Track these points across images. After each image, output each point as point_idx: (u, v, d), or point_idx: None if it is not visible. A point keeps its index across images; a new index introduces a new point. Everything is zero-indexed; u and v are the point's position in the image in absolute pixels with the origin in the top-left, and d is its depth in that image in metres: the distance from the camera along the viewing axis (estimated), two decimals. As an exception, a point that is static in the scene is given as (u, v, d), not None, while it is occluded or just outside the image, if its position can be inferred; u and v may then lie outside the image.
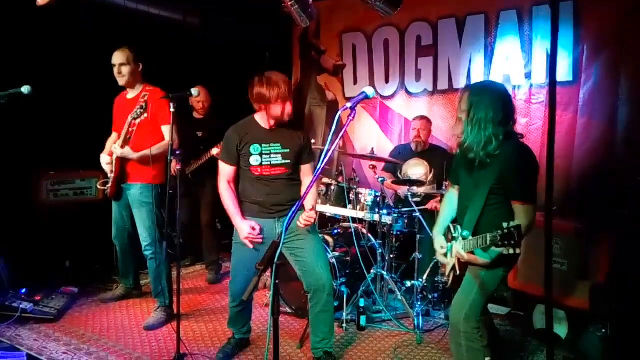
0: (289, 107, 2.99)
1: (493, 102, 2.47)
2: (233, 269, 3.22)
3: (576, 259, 3.41)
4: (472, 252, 2.48)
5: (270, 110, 2.95)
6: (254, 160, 3.04)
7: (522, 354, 3.43)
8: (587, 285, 3.36)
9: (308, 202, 3.05)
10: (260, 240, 3.05)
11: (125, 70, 3.79)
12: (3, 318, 3.69)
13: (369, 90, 2.12)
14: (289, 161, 3.06)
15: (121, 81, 3.85)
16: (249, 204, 3.12)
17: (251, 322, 3.44)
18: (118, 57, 3.80)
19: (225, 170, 3.13)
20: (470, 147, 2.50)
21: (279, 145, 3.04)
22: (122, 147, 3.74)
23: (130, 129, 3.69)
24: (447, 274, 2.73)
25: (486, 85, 2.77)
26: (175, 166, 3.35)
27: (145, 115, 3.61)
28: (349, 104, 2.03)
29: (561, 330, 3.53)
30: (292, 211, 1.92)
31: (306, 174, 3.16)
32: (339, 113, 2.09)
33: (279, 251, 1.84)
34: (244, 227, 3.04)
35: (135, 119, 3.63)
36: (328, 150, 2.01)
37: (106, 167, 3.95)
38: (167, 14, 5.26)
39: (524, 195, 2.44)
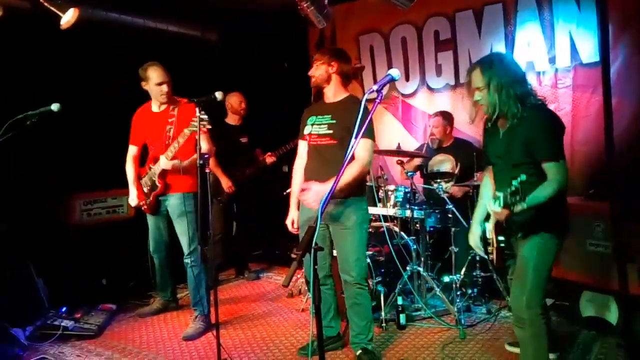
0: None
1: (506, 64, 2.51)
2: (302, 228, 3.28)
3: (619, 241, 3.29)
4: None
5: None
6: (307, 129, 3.20)
7: (569, 345, 3.31)
8: (633, 267, 3.23)
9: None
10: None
11: (170, 86, 3.82)
12: (46, 336, 3.73)
13: (395, 72, 2.08)
14: (332, 131, 3.08)
15: (165, 98, 3.82)
16: (307, 178, 3.15)
17: None
18: (164, 75, 3.77)
19: (299, 146, 3.35)
20: (502, 114, 2.49)
21: (329, 116, 3.13)
22: (172, 159, 3.73)
23: (180, 140, 3.60)
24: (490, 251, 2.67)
25: (491, 54, 3.01)
26: (208, 171, 3.33)
27: (208, 127, 3.36)
28: (375, 87, 2.01)
29: (611, 316, 3.39)
30: (326, 196, 1.89)
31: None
32: (365, 97, 2.06)
33: (315, 236, 1.81)
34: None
35: (193, 131, 3.39)
36: (357, 135, 1.98)
37: (133, 202, 4.03)
38: (185, 30, 5.36)
39: (552, 153, 2.41)
